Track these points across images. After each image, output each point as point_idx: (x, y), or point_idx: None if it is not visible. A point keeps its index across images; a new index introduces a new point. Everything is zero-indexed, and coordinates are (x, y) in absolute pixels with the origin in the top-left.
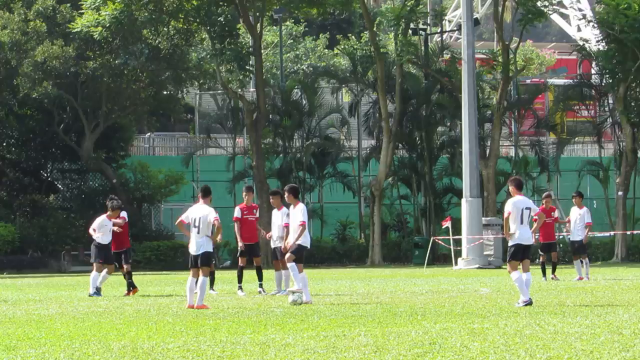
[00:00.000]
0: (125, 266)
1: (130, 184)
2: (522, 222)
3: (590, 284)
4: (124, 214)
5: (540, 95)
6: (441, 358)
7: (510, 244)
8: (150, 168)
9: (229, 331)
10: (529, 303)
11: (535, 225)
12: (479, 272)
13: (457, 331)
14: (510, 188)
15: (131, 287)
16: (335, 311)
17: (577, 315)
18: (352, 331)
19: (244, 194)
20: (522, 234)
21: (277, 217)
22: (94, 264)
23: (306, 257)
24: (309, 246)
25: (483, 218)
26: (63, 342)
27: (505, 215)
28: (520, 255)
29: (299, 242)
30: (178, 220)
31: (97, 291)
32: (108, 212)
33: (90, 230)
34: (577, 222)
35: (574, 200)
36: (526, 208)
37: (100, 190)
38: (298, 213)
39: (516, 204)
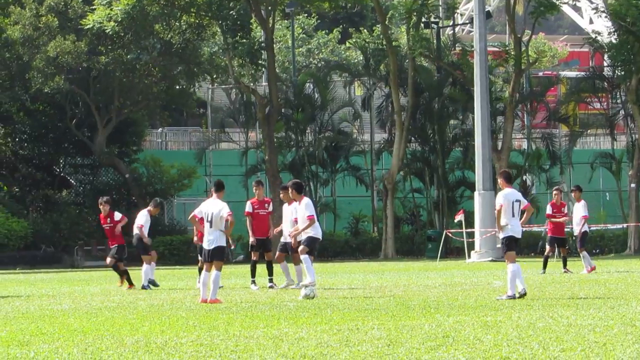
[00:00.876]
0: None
1: (142, 179)
2: (513, 215)
3: (603, 276)
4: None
5: (552, 88)
6: (454, 351)
7: (502, 236)
8: (163, 163)
9: (242, 325)
10: (512, 297)
11: (524, 217)
12: (492, 265)
13: (470, 324)
14: (500, 181)
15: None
16: (348, 305)
17: (590, 308)
18: (366, 325)
19: (255, 188)
20: (513, 226)
21: (288, 211)
22: (145, 257)
23: (319, 251)
24: (320, 238)
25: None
26: (76, 337)
27: (497, 207)
28: (514, 246)
29: (311, 234)
30: (191, 215)
31: (152, 282)
32: (149, 208)
33: (140, 229)
34: (575, 215)
35: (573, 194)
36: (516, 200)
37: (113, 185)
38: (303, 208)
39: (507, 196)
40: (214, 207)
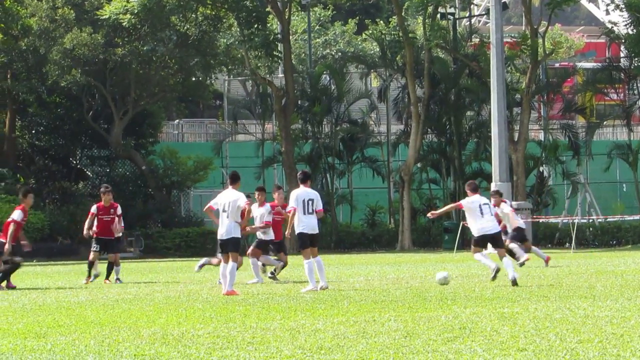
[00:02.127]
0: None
1: (159, 171)
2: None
3: (620, 267)
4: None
5: (569, 79)
6: (471, 342)
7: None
8: (179, 154)
9: (259, 317)
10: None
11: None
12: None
13: (487, 315)
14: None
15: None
16: (365, 296)
17: (607, 299)
18: (382, 316)
19: (274, 192)
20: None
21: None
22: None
23: (336, 242)
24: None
25: (513, 202)
26: (93, 329)
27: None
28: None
29: (297, 230)
30: (206, 207)
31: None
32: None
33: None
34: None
35: (493, 200)
36: (484, 204)
37: (129, 177)
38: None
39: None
40: (231, 197)
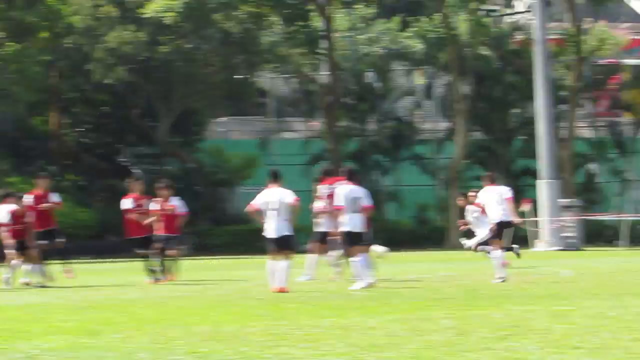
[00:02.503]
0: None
1: (206, 168)
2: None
3: None
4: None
5: (615, 76)
6: (525, 340)
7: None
8: (226, 152)
9: (311, 315)
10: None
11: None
12: (559, 254)
13: (540, 313)
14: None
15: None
16: (416, 294)
17: None
18: (435, 314)
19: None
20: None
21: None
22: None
23: (385, 241)
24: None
25: (562, 200)
26: (146, 326)
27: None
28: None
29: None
30: (249, 207)
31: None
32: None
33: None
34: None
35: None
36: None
37: (176, 175)
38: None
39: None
40: (279, 195)
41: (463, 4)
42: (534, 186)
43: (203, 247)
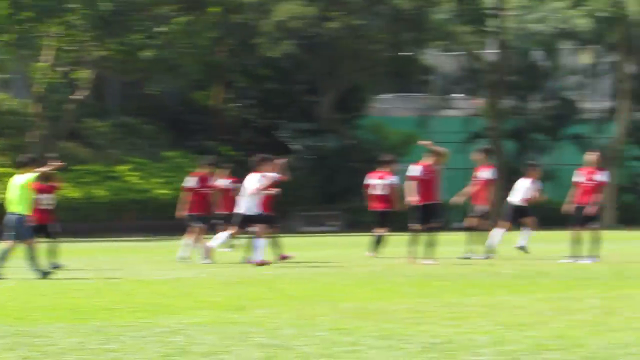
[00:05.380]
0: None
1: (364, 145)
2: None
3: None
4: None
5: None
6: None
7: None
8: (386, 129)
9: (457, 292)
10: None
11: None
12: None
13: None
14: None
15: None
16: (564, 273)
17: None
18: (581, 293)
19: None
20: None
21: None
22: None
23: (541, 219)
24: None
25: None
26: (291, 302)
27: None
28: None
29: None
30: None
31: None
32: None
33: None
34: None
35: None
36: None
37: (335, 151)
38: None
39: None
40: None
41: None
42: None
43: (355, 223)
